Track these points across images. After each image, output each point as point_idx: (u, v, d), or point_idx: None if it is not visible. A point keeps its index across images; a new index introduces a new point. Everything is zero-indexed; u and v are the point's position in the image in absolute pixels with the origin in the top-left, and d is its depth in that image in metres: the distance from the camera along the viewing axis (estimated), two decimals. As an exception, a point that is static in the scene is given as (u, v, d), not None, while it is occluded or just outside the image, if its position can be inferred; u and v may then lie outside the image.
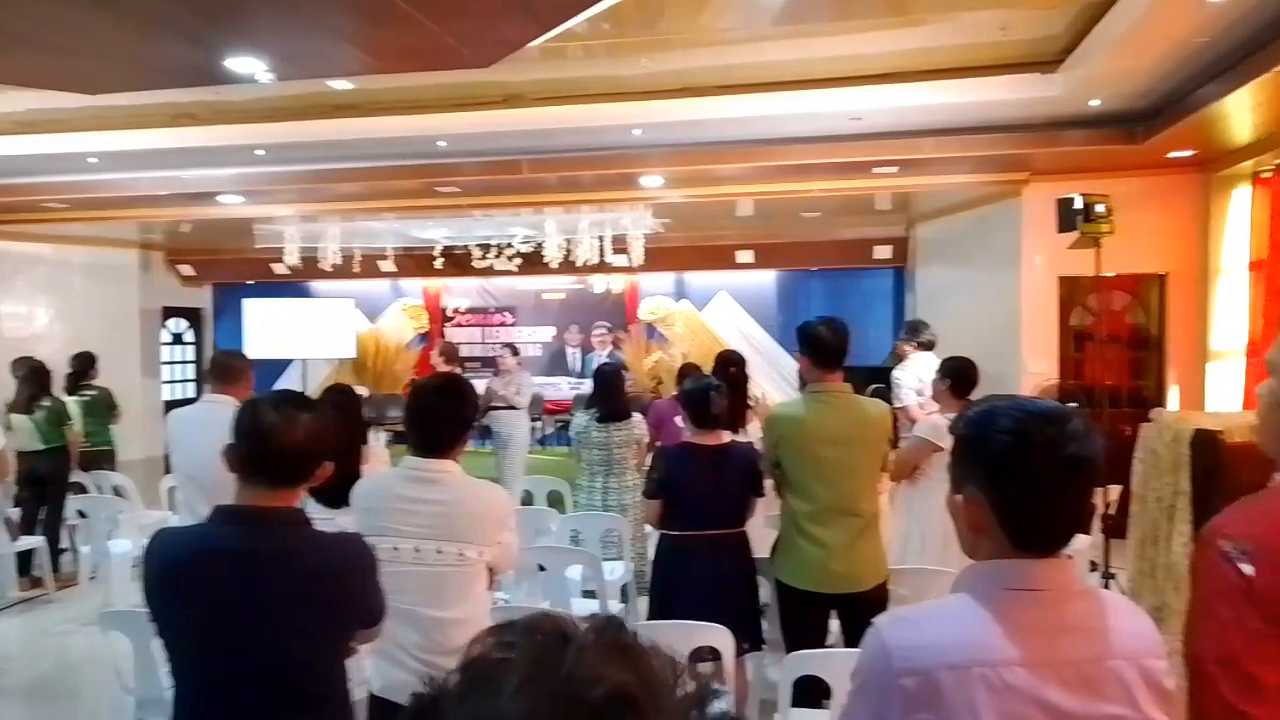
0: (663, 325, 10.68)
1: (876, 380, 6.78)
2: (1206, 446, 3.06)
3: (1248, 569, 1.15)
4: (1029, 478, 1.13)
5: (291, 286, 10.67)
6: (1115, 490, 4.82)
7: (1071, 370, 7.13)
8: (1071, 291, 7.10)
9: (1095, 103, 5.72)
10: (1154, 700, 1.12)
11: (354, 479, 2.50)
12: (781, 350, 10.39)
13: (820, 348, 3.13)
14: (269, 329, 9.70)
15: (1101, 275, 6.70)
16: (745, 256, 9.89)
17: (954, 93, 5.67)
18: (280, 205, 8.27)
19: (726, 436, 3.38)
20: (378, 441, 6.41)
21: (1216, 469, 3.02)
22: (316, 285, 10.95)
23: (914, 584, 3.46)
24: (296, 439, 1.71)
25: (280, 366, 10.42)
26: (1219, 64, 4.85)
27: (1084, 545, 5.22)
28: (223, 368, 3.63)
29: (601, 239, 8.40)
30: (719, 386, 3.35)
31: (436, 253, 9.36)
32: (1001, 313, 7.41)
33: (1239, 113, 5.27)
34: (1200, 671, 1.15)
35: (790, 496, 3.20)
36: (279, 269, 9.75)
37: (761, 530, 4.22)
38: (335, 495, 2.54)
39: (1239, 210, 6.61)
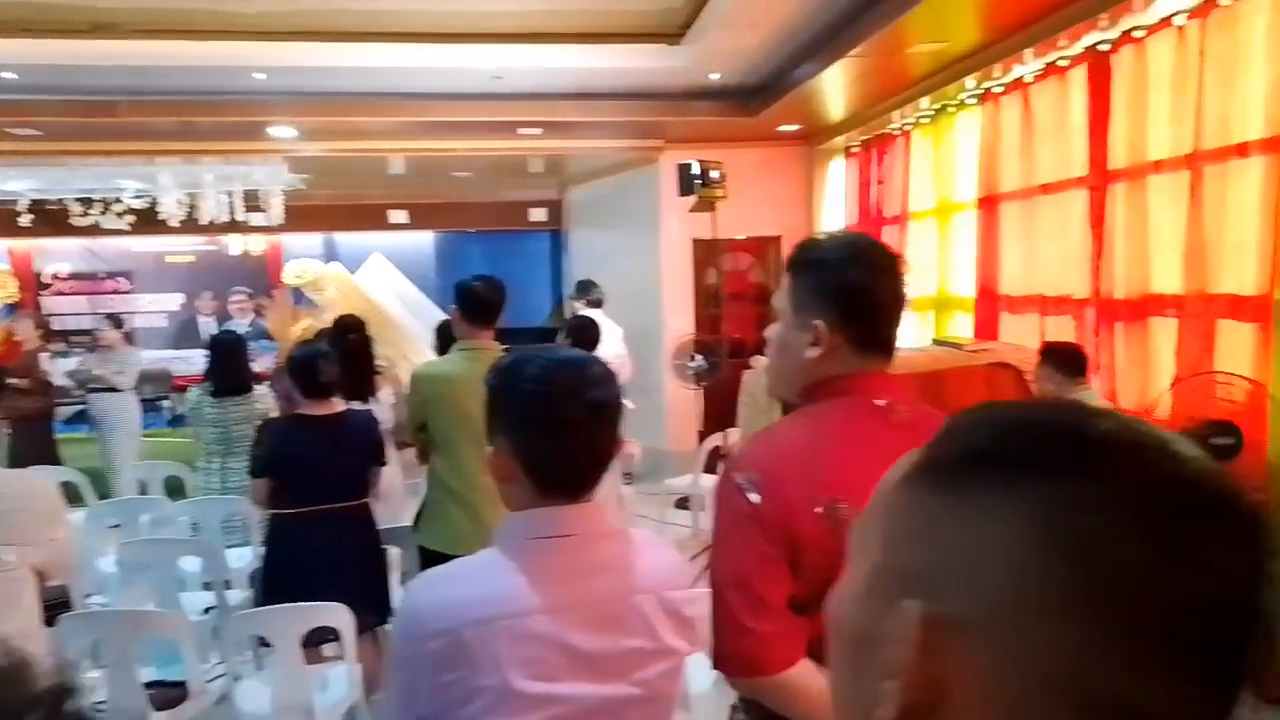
0: (312, 290, 9.93)
1: (543, 341, 6.90)
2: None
3: (755, 497, 1.23)
4: (552, 423, 1.13)
5: None
6: (736, 433, 5.30)
7: (708, 325, 7.73)
8: (706, 253, 7.68)
9: (715, 76, 6.16)
10: (673, 629, 1.17)
11: None
12: (443, 315, 10.20)
13: (474, 302, 3.12)
14: None
15: (730, 238, 7.34)
16: (399, 217, 9.53)
17: (591, 58, 5.80)
18: None
19: (341, 405, 3.19)
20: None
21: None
22: None
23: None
24: None
25: None
26: (811, 47, 5.41)
27: (712, 485, 5.73)
28: None
29: (231, 195, 7.59)
30: (327, 353, 3.15)
31: (21, 208, 7.89)
32: (645, 273, 7.84)
33: (829, 92, 5.95)
34: (718, 594, 1.22)
35: (438, 459, 3.11)
36: None
37: (400, 499, 4.09)
38: None
39: (836, 180, 7.54)
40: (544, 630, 1.07)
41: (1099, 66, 4.31)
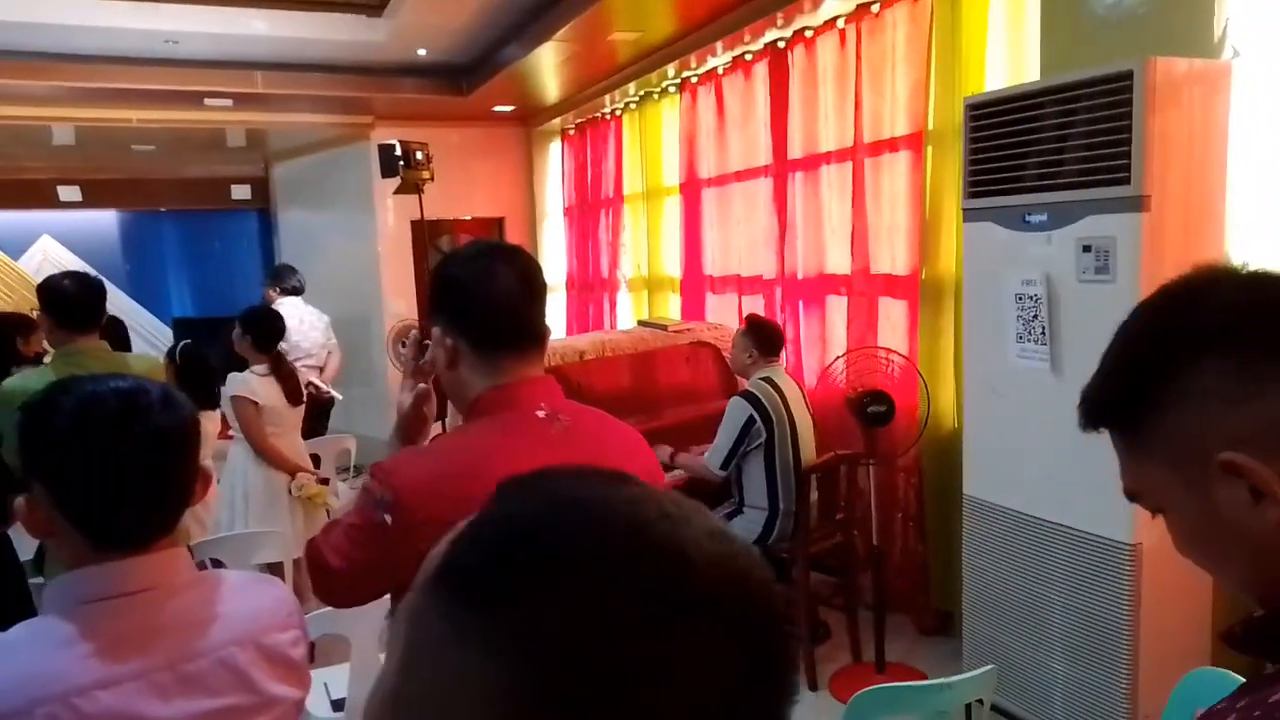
0: (-39, 279, 8.53)
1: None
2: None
3: (386, 517, 1.18)
4: (93, 463, 0.99)
5: None
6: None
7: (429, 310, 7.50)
8: (430, 235, 7.43)
9: (423, 52, 5.93)
10: (276, 675, 1.08)
11: None
12: (135, 304, 9.15)
13: (65, 305, 2.80)
14: None
15: (451, 219, 7.17)
16: (70, 194, 8.35)
17: (284, 26, 5.37)
18: None
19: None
20: None
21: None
22: None
23: (234, 550, 3.31)
24: None
25: None
26: (518, 27, 5.35)
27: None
28: None
29: None
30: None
31: None
32: (362, 255, 7.47)
33: (540, 74, 5.92)
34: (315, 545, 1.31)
35: None
36: None
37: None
38: None
39: (555, 162, 7.58)
40: (106, 707, 0.94)
41: (778, 62, 4.62)
